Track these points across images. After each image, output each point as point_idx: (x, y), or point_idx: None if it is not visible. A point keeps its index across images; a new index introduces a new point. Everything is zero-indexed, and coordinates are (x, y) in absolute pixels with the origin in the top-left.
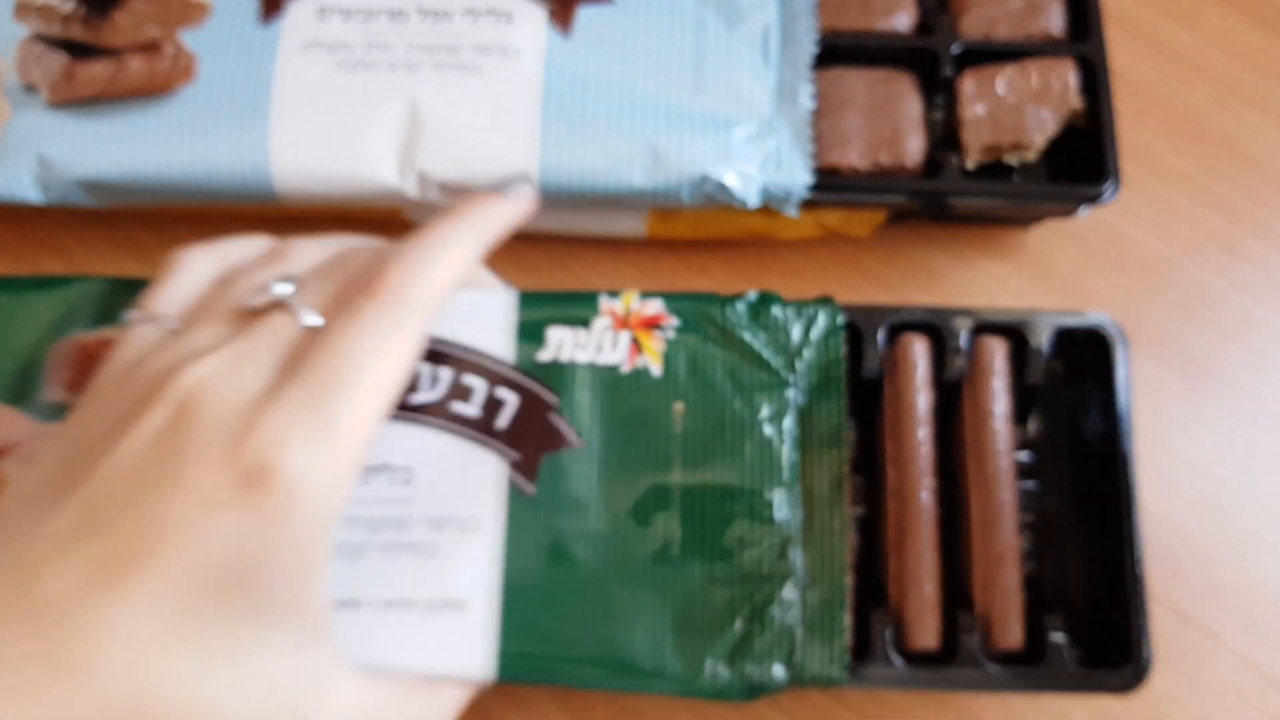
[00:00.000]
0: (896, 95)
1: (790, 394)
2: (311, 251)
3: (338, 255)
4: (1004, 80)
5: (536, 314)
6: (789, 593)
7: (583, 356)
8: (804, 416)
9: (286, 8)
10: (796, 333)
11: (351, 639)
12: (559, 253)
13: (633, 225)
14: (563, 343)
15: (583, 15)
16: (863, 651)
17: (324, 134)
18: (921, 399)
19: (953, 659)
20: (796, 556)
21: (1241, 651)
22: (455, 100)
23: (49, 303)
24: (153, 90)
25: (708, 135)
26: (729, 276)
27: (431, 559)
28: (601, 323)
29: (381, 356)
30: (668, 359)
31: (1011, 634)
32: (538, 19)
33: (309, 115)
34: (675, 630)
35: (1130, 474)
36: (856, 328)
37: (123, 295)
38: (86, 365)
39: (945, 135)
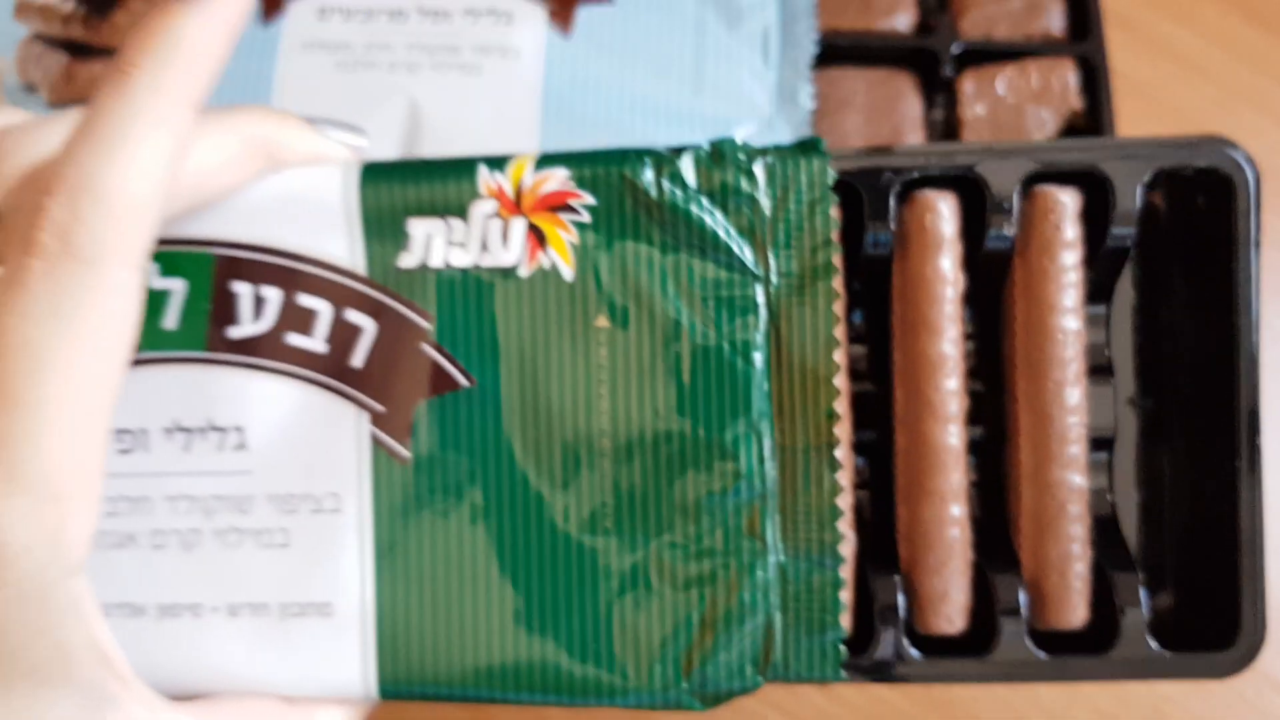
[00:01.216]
0: (896, 95)
1: (759, 294)
2: None
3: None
4: (1004, 80)
5: (390, 198)
6: (761, 569)
7: (461, 259)
8: (779, 327)
9: (286, 8)
10: (767, 202)
11: (195, 652)
12: None
13: None
14: (431, 239)
15: (583, 15)
16: (866, 640)
17: None
18: (948, 280)
19: (989, 646)
20: (771, 523)
21: None
22: (455, 100)
23: None
24: None
25: (708, 135)
26: None
27: (284, 550)
28: (484, 207)
29: (69, 344)
30: (581, 254)
31: (1072, 609)
32: (538, 19)
33: (309, 115)
34: (610, 627)
35: (1255, 389)
36: (854, 189)
37: None
38: None
39: (945, 135)
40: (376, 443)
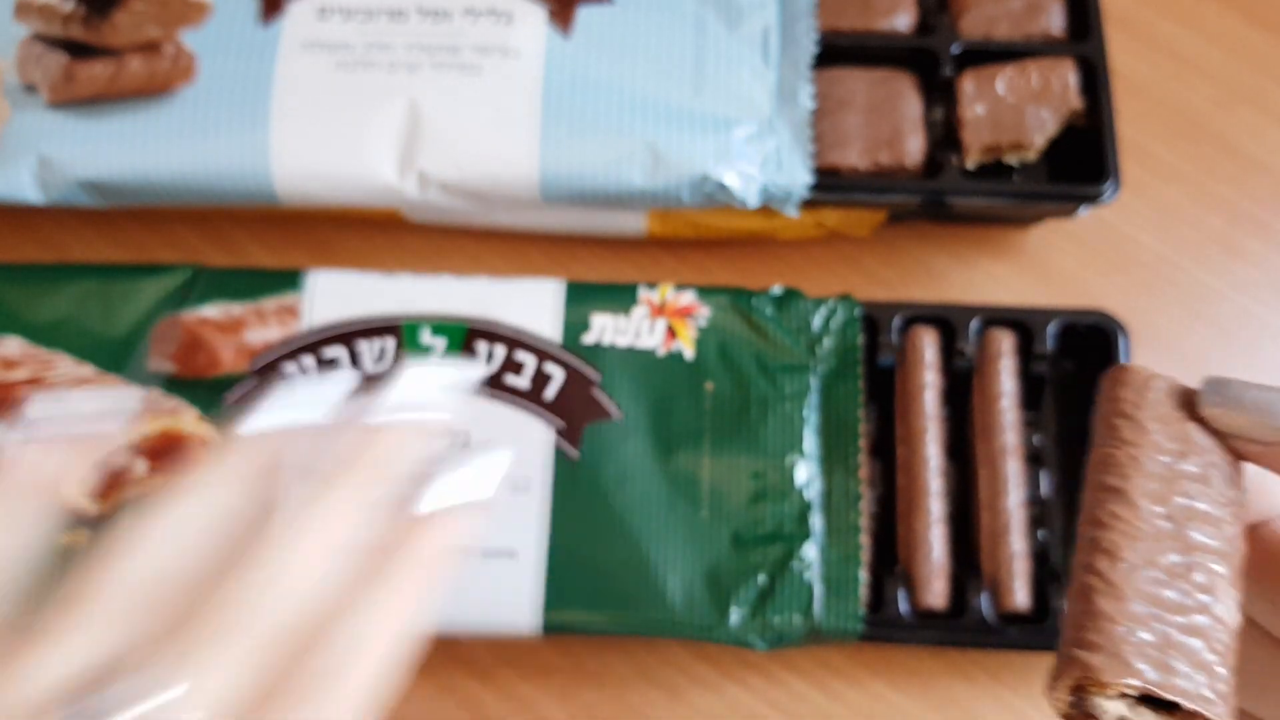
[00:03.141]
0: (896, 95)
1: (810, 378)
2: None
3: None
4: (1004, 80)
5: (581, 301)
6: (808, 551)
7: (622, 341)
8: (823, 398)
9: (286, 8)
10: (817, 323)
11: None
12: (559, 253)
13: (633, 225)
14: (605, 328)
15: (583, 15)
16: (877, 608)
17: (324, 134)
18: (930, 382)
19: (961, 616)
20: (815, 520)
21: None
22: (455, 100)
23: (149, 286)
24: (153, 90)
25: (708, 135)
26: (729, 276)
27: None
28: (640, 311)
29: None
30: (699, 344)
31: (1017, 597)
32: (538, 19)
33: (309, 115)
34: (704, 583)
35: None
36: (873, 320)
37: (215, 280)
38: (188, 341)
39: (945, 135)
40: (558, 448)
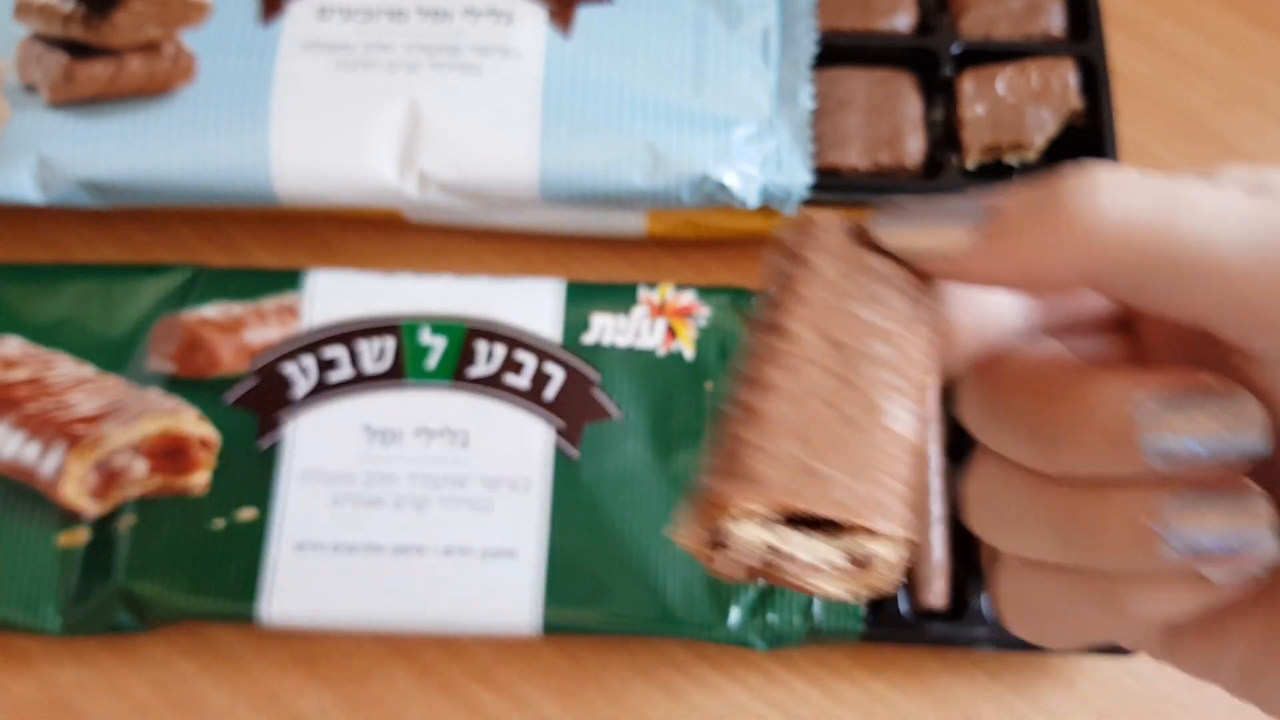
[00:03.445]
0: (896, 95)
1: None
2: None
3: None
4: (1004, 80)
5: (581, 301)
6: None
7: (622, 340)
8: None
9: (286, 8)
10: None
11: (415, 580)
12: (559, 253)
13: (633, 225)
14: (605, 328)
15: (583, 15)
16: (877, 608)
17: (324, 134)
18: (930, 382)
19: (962, 616)
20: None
21: None
22: (455, 100)
23: (149, 286)
24: (153, 90)
25: (708, 135)
26: (729, 276)
27: (488, 513)
28: (640, 311)
29: None
30: (699, 344)
31: None
32: (538, 19)
33: (309, 115)
34: (704, 583)
35: None
36: None
37: (215, 280)
38: (188, 341)
39: (945, 135)
40: (558, 447)
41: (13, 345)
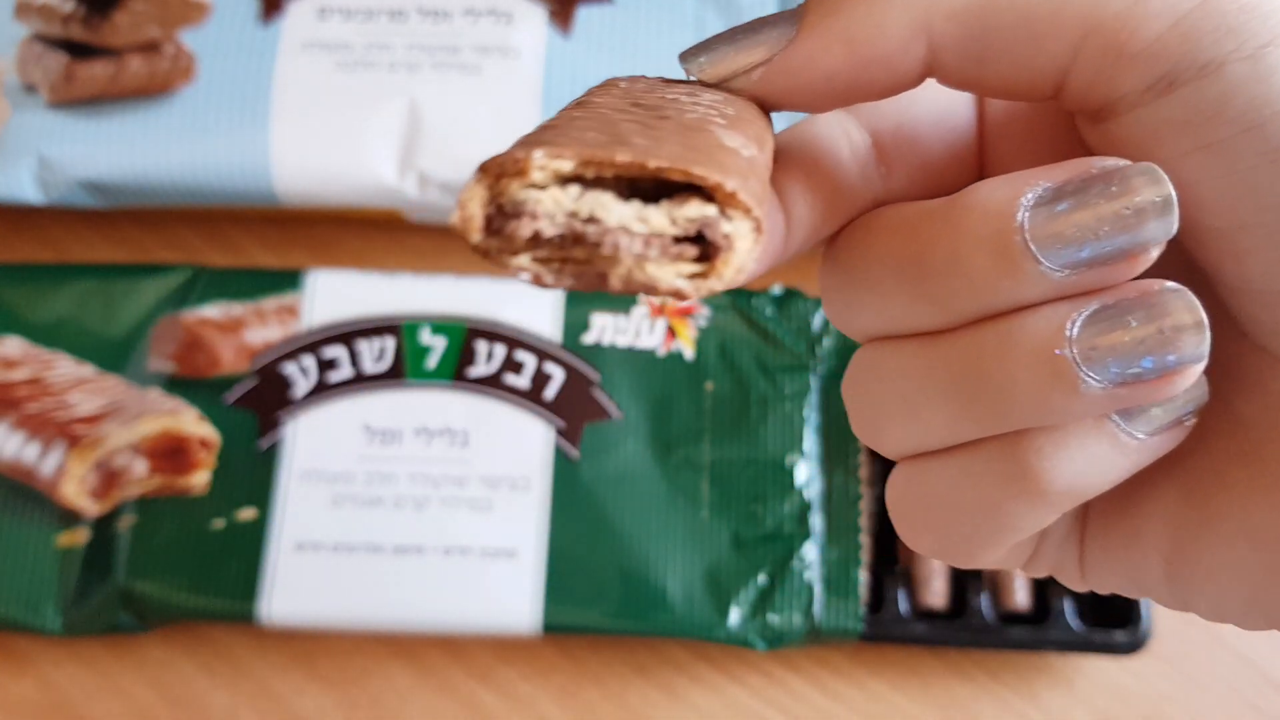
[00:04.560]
0: None
1: (810, 378)
2: None
3: None
4: None
5: (581, 301)
6: (808, 551)
7: (622, 340)
8: (823, 398)
9: (286, 8)
10: (817, 322)
11: (415, 580)
12: None
13: None
14: (604, 327)
15: (583, 15)
16: (877, 608)
17: (324, 134)
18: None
19: (962, 615)
20: (816, 520)
21: (1241, 651)
22: (455, 100)
23: (149, 286)
24: (153, 90)
25: None
26: None
27: (487, 512)
28: (640, 310)
29: None
30: (699, 344)
31: (1017, 597)
32: (538, 19)
33: (309, 115)
34: (704, 583)
35: None
36: None
37: (215, 280)
38: (188, 341)
39: None
40: (558, 447)
41: (13, 345)
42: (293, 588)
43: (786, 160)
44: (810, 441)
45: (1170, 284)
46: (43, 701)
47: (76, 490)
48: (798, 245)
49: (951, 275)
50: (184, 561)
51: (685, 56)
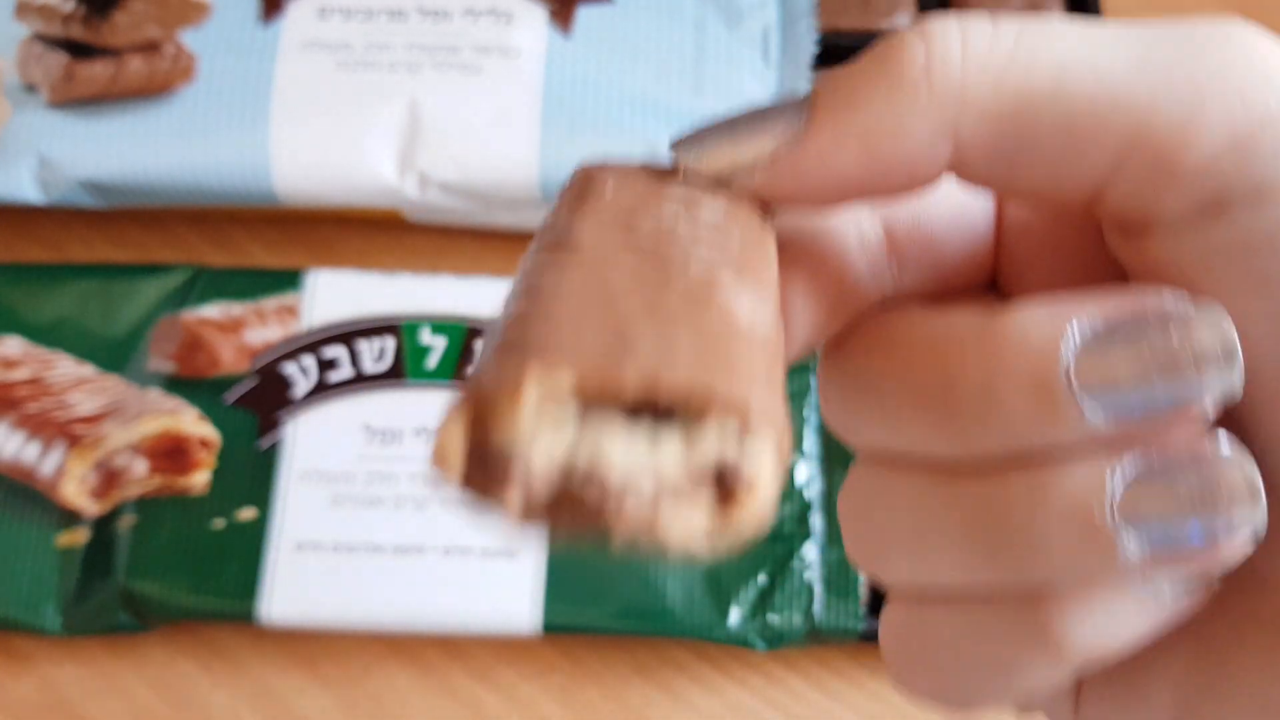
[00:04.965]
0: None
1: (810, 378)
2: None
3: None
4: None
5: None
6: (808, 551)
7: None
8: None
9: (286, 8)
10: None
11: (416, 580)
12: None
13: None
14: None
15: (583, 15)
16: (877, 608)
17: (324, 134)
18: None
19: None
20: (815, 520)
21: None
22: (455, 100)
23: (149, 286)
24: (153, 90)
25: None
26: None
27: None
28: None
29: None
30: None
31: None
32: (538, 19)
33: (309, 115)
34: (704, 583)
35: None
36: None
37: (215, 280)
38: (188, 341)
39: None
40: None
41: (13, 345)
42: (293, 587)
43: (789, 254)
44: (810, 441)
45: (1224, 443)
46: (43, 701)
47: (76, 490)
48: (795, 352)
49: (983, 412)
50: (184, 561)
51: (678, 147)
